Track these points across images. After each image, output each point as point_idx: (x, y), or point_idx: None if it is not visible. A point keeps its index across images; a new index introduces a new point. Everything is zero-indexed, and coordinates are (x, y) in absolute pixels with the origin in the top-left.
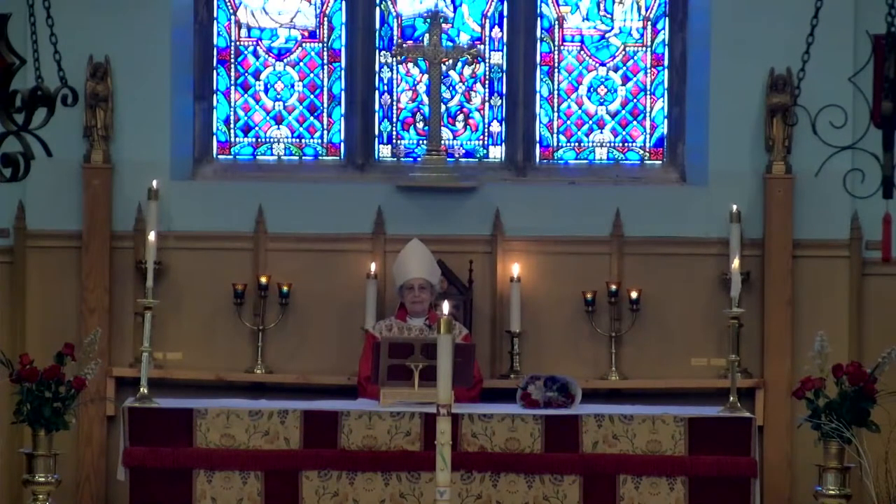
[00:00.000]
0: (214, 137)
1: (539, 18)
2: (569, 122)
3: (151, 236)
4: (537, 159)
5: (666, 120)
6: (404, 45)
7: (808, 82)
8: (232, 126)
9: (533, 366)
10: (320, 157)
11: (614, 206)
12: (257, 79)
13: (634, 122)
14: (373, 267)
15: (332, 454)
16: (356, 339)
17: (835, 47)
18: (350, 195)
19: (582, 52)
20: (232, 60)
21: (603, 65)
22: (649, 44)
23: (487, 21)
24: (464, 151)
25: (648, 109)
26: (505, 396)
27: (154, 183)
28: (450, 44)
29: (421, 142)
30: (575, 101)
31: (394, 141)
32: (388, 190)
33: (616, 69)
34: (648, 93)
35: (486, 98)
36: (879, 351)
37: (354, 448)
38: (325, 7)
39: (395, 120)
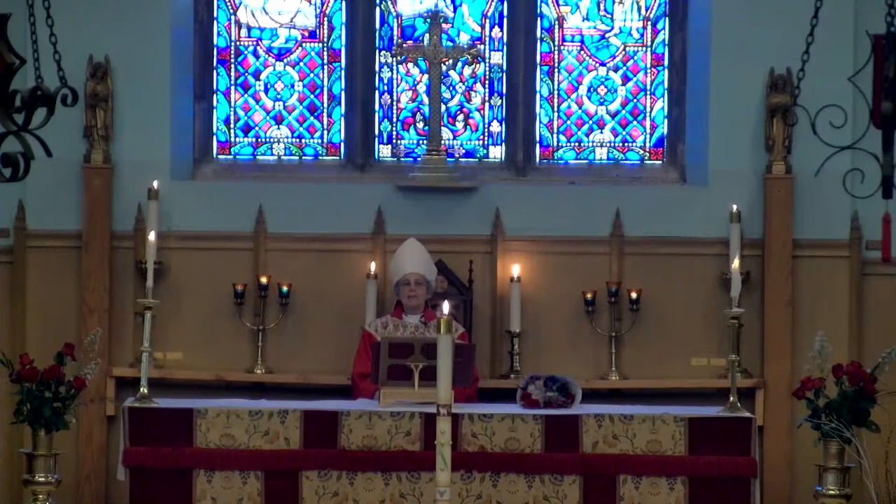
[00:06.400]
0: (214, 137)
1: (539, 18)
2: (569, 122)
3: (151, 236)
4: (537, 159)
5: (666, 120)
6: (404, 45)
7: (808, 82)
8: (232, 126)
9: (533, 366)
10: (320, 157)
11: (614, 206)
12: (257, 79)
13: (634, 122)
14: (373, 267)
15: (332, 454)
16: (356, 339)
17: (835, 47)
18: (350, 195)
19: (582, 52)
20: (232, 60)
21: (603, 65)
22: (649, 44)
23: (487, 21)
24: (464, 151)
25: (648, 109)
26: (505, 396)
27: (154, 183)
28: (450, 44)
29: (421, 142)
30: (575, 101)
31: (394, 141)
32: (388, 190)
33: (616, 69)
34: (648, 93)
35: (486, 98)
36: (879, 351)
37: (354, 448)
38: (325, 7)
39: (395, 120)
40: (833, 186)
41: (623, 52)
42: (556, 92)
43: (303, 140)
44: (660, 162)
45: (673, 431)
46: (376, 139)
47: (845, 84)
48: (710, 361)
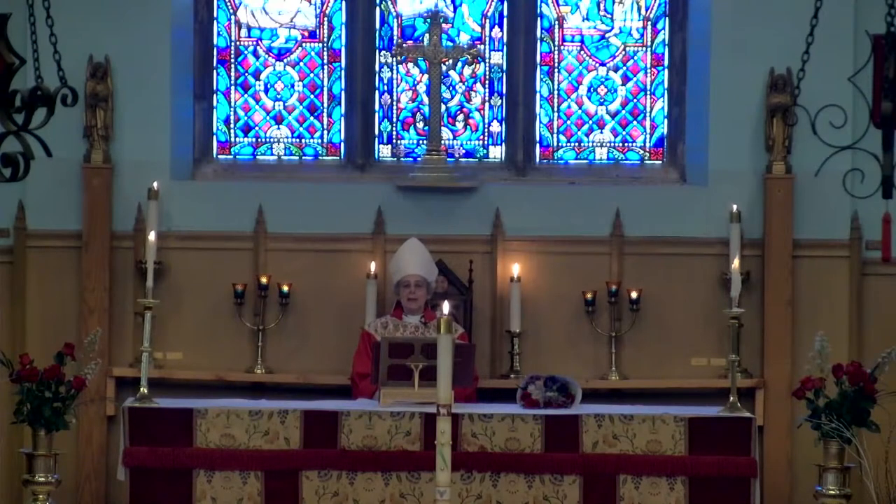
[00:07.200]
0: (214, 137)
1: (539, 18)
2: (569, 122)
3: (151, 236)
4: (537, 159)
5: (666, 120)
6: (404, 45)
7: (808, 82)
8: (232, 126)
9: (533, 366)
10: (320, 157)
11: (614, 206)
12: (257, 79)
13: (634, 122)
14: (373, 267)
15: (332, 454)
16: (356, 339)
17: (835, 47)
18: (350, 195)
19: (582, 52)
20: (232, 60)
21: (603, 65)
22: (649, 44)
23: (487, 21)
24: (464, 151)
25: (648, 109)
26: (505, 396)
27: (154, 183)
28: (450, 44)
29: (421, 142)
30: (575, 101)
31: (394, 141)
32: (388, 190)
33: (616, 69)
34: (648, 93)
35: (486, 98)
36: (879, 351)
37: (354, 448)
38: (325, 7)
39: (395, 120)
40: (833, 186)
41: (623, 52)
42: (556, 92)
43: (303, 140)
44: (660, 162)
45: (673, 431)
46: (376, 139)
47: (845, 84)
48: (710, 361)
